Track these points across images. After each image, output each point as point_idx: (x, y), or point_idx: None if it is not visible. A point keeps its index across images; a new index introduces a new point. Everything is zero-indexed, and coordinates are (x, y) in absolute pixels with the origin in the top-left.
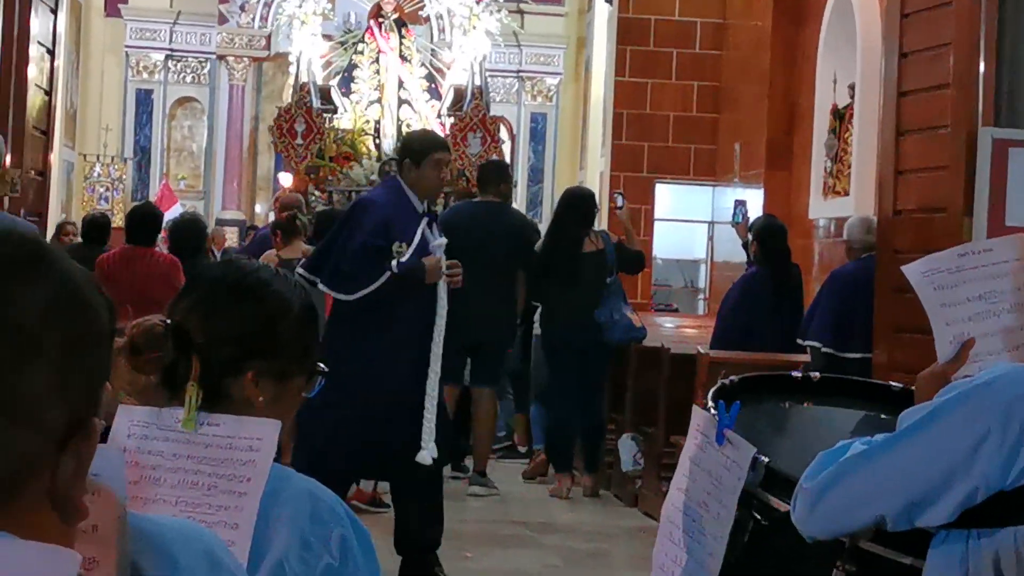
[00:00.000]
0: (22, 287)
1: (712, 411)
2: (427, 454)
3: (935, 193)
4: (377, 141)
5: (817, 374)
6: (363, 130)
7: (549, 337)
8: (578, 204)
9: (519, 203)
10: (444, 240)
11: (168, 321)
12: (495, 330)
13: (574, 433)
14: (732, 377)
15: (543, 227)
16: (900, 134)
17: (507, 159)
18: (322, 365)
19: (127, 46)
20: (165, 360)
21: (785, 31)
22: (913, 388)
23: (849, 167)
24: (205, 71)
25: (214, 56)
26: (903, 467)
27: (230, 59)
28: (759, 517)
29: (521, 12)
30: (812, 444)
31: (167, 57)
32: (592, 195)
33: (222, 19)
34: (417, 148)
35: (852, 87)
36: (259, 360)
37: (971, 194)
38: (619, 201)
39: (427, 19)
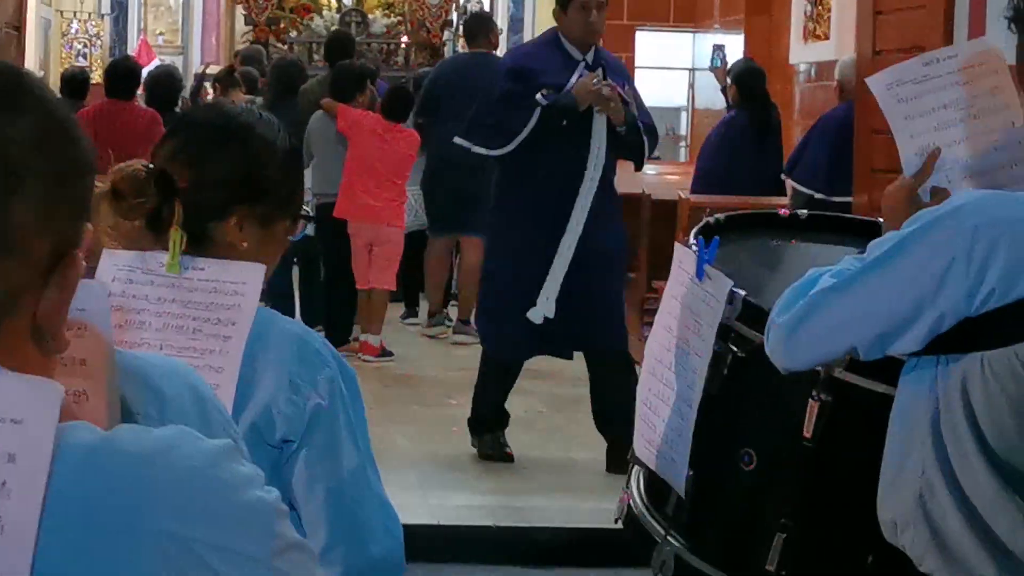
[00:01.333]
0: (5, 118)
1: (693, 248)
2: (539, 311)
3: (914, 32)
4: None
5: (805, 211)
6: None
7: None
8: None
9: (499, 53)
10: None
11: (151, 166)
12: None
13: None
14: (717, 215)
15: None
16: None
17: (487, 8)
18: (307, 209)
19: None
20: (148, 205)
21: None
22: None
23: (829, 10)
24: None
25: None
26: (873, 298)
27: None
28: (736, 349)
29: None
30: (795, 279)
31: None
32: None
33: None
34: None
35: None
36: (243, 204)
37: (951, 31)
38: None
39: None
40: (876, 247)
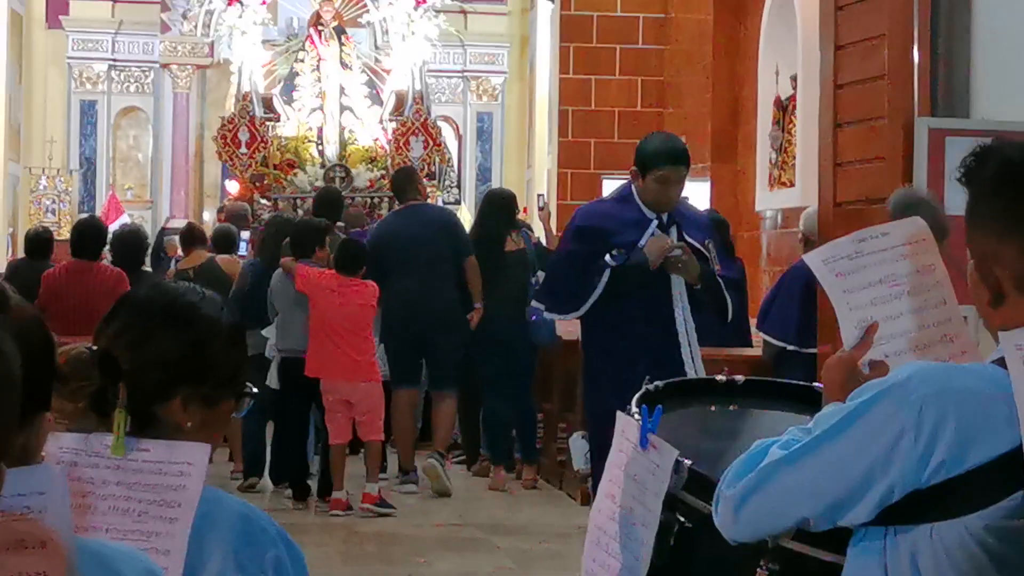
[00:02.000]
0: None
1: (636, 417)
2: None
3: (874, 184)
4: (320, 147)
5: (741, 377)
6: (306, 137)
7: (475, 333)
8: (500, 204)
9: (468, 202)
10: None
11: (95, 348)
12: (443, 327)
13: (507, 425)
14: (657, 383)
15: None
16: (838, 126)
17: (454, 159)
18: (250, 386)
19: (69, 57)
20: (92, 387)
21: (727, 24)
22: None
23: (794, 158)
24: (149, 80)
25: (157, 65)
26: (823, 471)
27: (174, 67)
28: (683, 520)
29: (464, 12)
30: (738, 446)
31: (110, 67)
32: (514, 196)
33: (164, 28)
34: (642, 158)
35: (794, 79)
36: (188, 385)
37: (909, 184)
38: (540, 203)
39: (368, 24)
40: (824, 419)
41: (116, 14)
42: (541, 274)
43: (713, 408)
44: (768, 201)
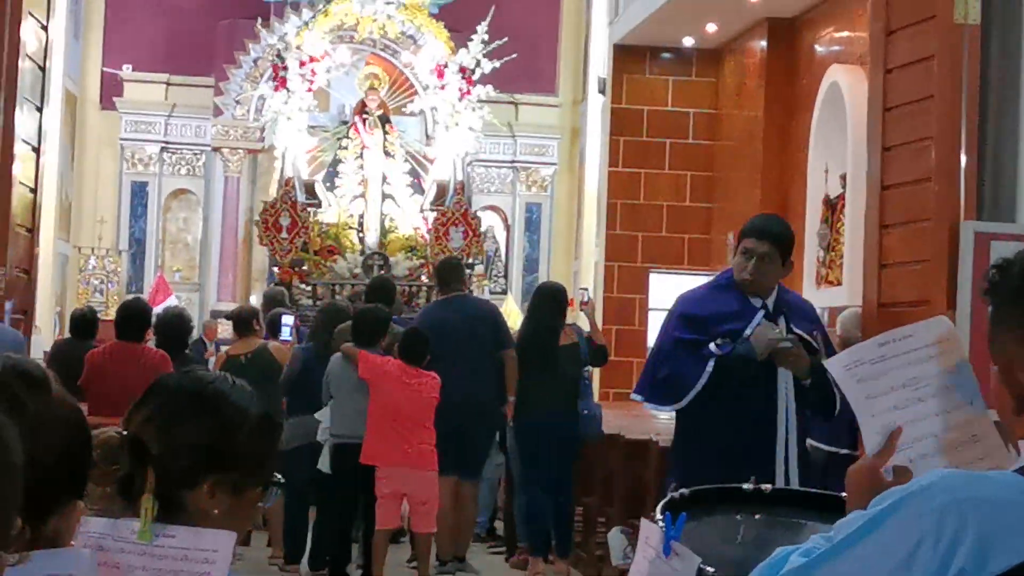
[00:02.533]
0: None
1: (660, 524)
2: None
3: (918, 286)
4: (361, 235)
5: (768, 486)
6: (347, 224)
7: (524, 426)
8: (553, 297)
9: (514, 293)
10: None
11: (124, 432)
12: (480, 418)
13: (548, 519)
14: (683, 490)
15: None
16: (884, 227)
17: (501, 249)
18: (278, 476)
19: (122, 139)
20: (121, 471)
21: (777, 121)
22: None
23: (842, 257)
24: (200, 163)
25: (209, 148)
26: None
27: (225, 151)
28: None
29: (515, 103)
30: (762, 555)
31: (162, 149)
32: (564, 290)
33: (217, 111)
34: (739, 233)
35: (843, 177)
36: (215, 472)
37: (954, 287)
38: (584, 296)
39: (420, 112)
40: (845, 526)
41: (169, 97)
42: (589, 368)
43: (739, 516)
44: (815, 299)
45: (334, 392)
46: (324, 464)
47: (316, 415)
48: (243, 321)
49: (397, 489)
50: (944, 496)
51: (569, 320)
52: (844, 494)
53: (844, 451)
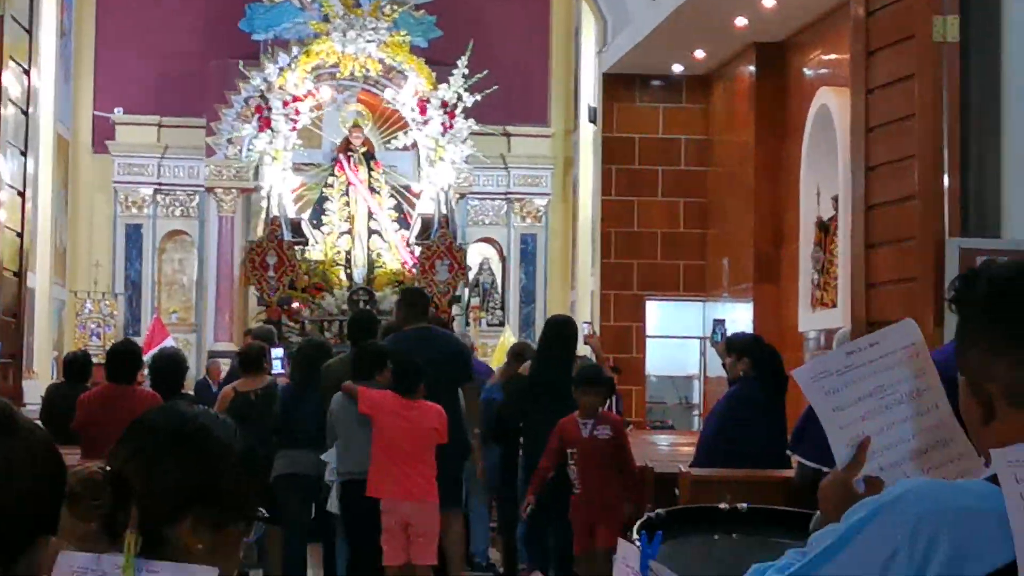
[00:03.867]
0: None
1: (636, 543)
2: None
3: (906, 303)
4: (348, 271)
5: (745, 505)
6: (334, 260)
7: (534, 458)
8: (565, 331)
9: (511, 324)
10: None
11: (107, 468)
12: (448, 450)
13: (546, 542)
14: (659, 511)
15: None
16: (870, 246)
17: (498, 281)
18: (262, 511)
19: (115, 182)
20: (104, 508)
21: (768, 146)
22: None
23: (836, 279)
24: (194, 204)
25: (203, 189)
26: None
27: (218, 191)
28: None
29: (507, 134)
30: (737, 573)
31: (155, 191)
32: (573, 321)
33: (209, 152)
34: None
35: (835, 199)
36: (198, 508)
37: (941, 304)
38: (586, 329)
39: (412, 146)
40: (818, 540)
41: (161, 138)
42: None
43: (716, 536)
44: (811, 322)
45: (339, 430)
46: (332, 504)
47: (323, 456)
48: (252, 358)
49: (401, 521)
50: (917, 507)
51: (579, 352)
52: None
53: (828, 469)
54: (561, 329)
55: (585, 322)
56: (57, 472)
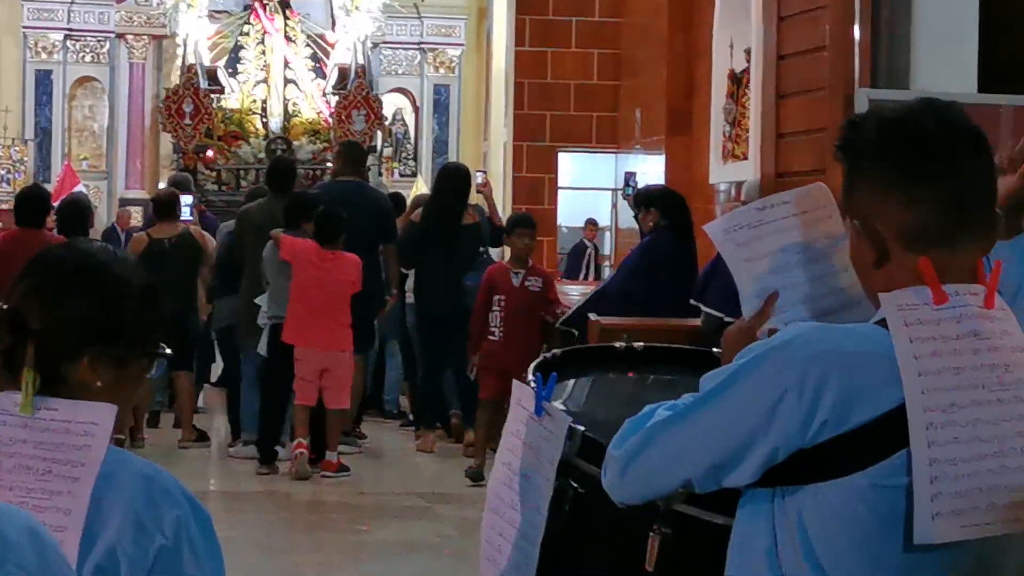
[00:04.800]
0: None
1: (531, 384)
2: None
3: (815, 155)
4: (264, 120)
5: (641, 344)
6: (250, 109)
7: (424, 304)
8: (457, 178)
9: (424, 175)
10: None
11: (4, 306)
12: (361, 299)
13: (445, 393)
14: (555, 351)
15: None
16: (780, 97)
17: (410, 131)
18: (163, 347)
19: (24, 27)
20: (1, 346)
21: None
22: None
23: (747, 131)
24: (104, 50)
25: (113, 35)
26: (705, 430)
27: (129, 38)
28: (577, 486)
29: None
30: (632, 413)
31: (66, 37)
32: (468, 171)
33: None
34: None
35: (748, 52)
36: (97, 344)
37: None
38: (479, 179)
39: None
40: (709, 380)
41: None
42: (492, 250)
43: (611, 375)
44: (722, 174)
45: (269, 277)
46: (262, 347)
47: (256, 300)
48: (166, 205)
49: (313, 368)
50: (806, 349)
51: (472, 201)
52: (717, 350)
53: (730, 319)
54: (453, 178)
55: (479, 171)
56: None
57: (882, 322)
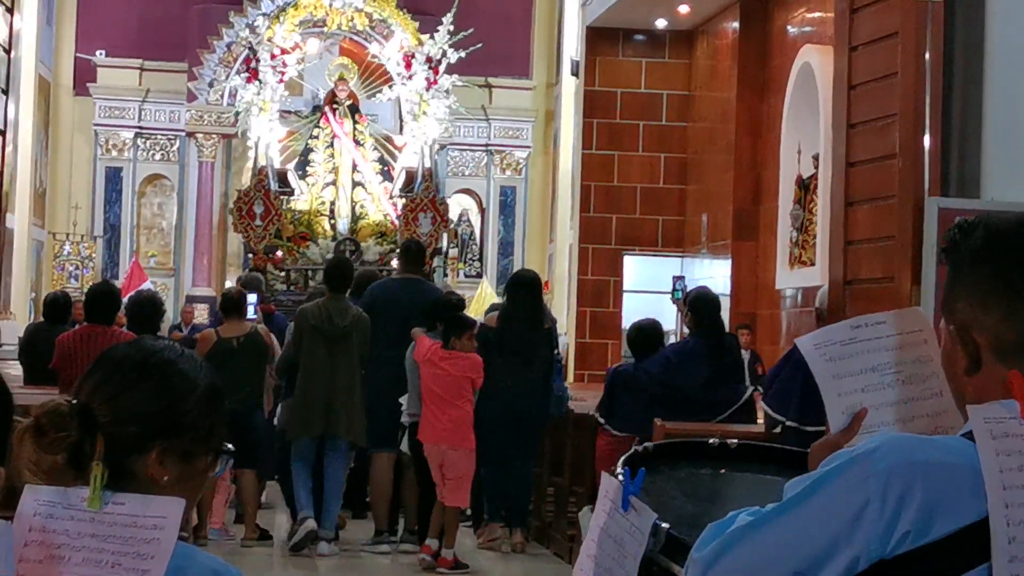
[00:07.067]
0: None
1: (619, 477)
2: None
3: (884, 263)
4: (332, 221)
5: (735, 441)
6: (318, 211)
7: (495, 407)
8: (531, 285)
9: (489, 276)
10: None
11: (73, 401)
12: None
13: (507, 491)
14: (647, 444)
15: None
16: (849, 204)
17: (476, 233)
18: (227, 444)
19: (96, 124)
20: (70, 440)
21: (750, 102)
22: None
23: (814, 237)
24: (174, 148)
25: (183, 133)
26: (787, 537)
27: (199, 136)
28: None
29: (489, 86)
30: (723, 511)
31: (136, 135)
32: (539, 277)
33: (191, 96)
34: None
35: (816, 157)
36: (163, 439)
37: (919, 264)
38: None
39: (395, 98)
40: (792, 487)
41: (143, 82)
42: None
43: (704, 471)
44: (788, 280)
45: (409, 377)
46: (404, 444)
47: (400, 399)
48: (234, 304)
49: (437, 464)
50: (890, 458)
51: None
52: (807, 449)
53: (790, 423)
54: (529, 283)
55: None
56: (5, 403)
57: (969, 435)
